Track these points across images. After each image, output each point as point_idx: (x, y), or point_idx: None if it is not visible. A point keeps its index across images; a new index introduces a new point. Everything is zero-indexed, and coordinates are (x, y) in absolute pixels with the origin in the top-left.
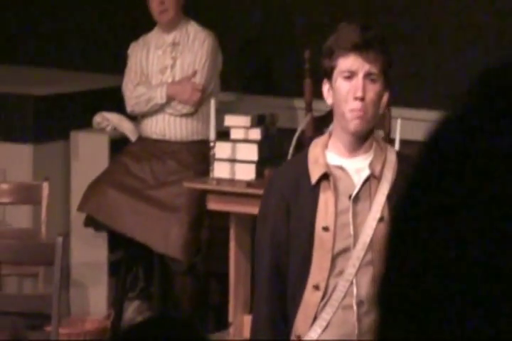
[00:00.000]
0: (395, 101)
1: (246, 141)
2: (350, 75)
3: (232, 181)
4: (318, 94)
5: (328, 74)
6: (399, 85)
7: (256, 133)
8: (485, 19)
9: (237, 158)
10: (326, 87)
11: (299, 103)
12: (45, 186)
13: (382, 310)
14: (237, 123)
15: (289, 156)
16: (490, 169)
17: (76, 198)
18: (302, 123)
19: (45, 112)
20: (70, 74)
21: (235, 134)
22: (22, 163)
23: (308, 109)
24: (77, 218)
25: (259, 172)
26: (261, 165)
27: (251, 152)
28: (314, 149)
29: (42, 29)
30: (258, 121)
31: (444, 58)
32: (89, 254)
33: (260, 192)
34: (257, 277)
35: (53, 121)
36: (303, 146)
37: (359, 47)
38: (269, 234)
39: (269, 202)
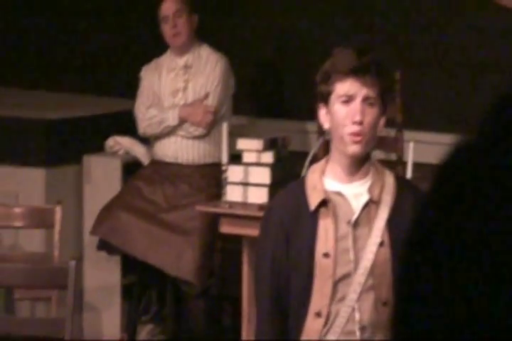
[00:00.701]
0: (408, 124)
1: (258, 164)
2: (348, 99)
3: (244, 204)
4: None
5: (325, 98)
6: (411, 108)
7: (268, 157)
8: (499, 43)
9: (249, 182)
10: (322, 112)
11: (311, 126)
12: (58, 210)
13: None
14: (250, 146)
15: None
16: (505, 194)
17: (89, 222)
18: (314, 146)
19: (58, 136)
20: (82, 98)
21: (247, 158)
22: (35, 187)
23: (321, 132)
24: (90, 242)
25: (271, 196)
26: (273, 188)
27: (263, 175)
28: (312, 175)
29: (54, 53)
30: (270, 145)
31: (457, 81)
32: (102, 278)
33: None
34: (258, 307)
35: (66, 145)
36: None
37: (356, 72)
38: (269, 263)
39: (269, 230)
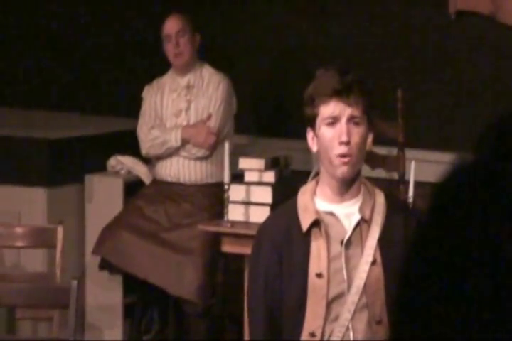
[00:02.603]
0: (409, 142)
1: (260, 183)
2: (333, 121)
3: (246, 224)
4: None
5: (311, 122)
6: (413, 127)
7: (270, 176)
8: (499, 63)
9: (251, 201)
10: (310, 135)
11: None
12: (60, 229)
13: None
14: (252, 165)
15: None
16: (503, 213)
17: (90, 241)
18: (316, 165)
19: (60, 156)
20: (84, 117)
21: (249, 177)
22: (36, 207)
23: None
24: (92, 261)
25: None
26: (275, 207)
27: (265, 194)
28: (303, 196)
29: (56, 74)
30: (272, 164)
31: (458, 100)
32: (104, 297)
33: None
34: (250, 327)
35: (67, 165)
36: None
37: (339, 93)
38: (262, 283)
39: (261, 252)
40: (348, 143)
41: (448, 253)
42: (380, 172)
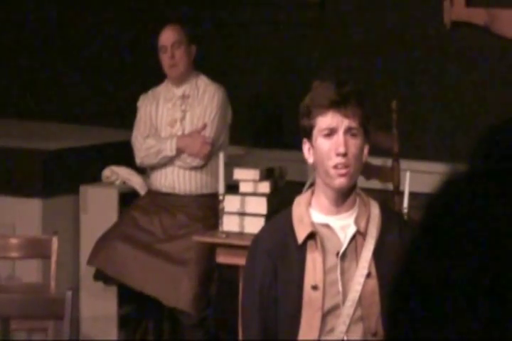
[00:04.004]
0: (404, 153)
1: (255, 194)
2: (330, 132)
3: (241, 234)
4: None
5: (308, 133)
6: (407, 138)
7: (265, 187)
8: (494, 74)
9: (246, 212)
10: (306, 147)
11: None
12: (55, 240)
13: None
14: (246, 176)
15: None
16: (498, 224)
17: (85, 252)
18: (311, 176)
19: (54, 166)
20: (79, 128)
21: (244, 187)
22: (31, 217)
23: None
24: (87, 272)
25: None
26: (270, 218)
27: (260, 205)
28: (298, 208)
29: (50, 84)
30: (267, 175)
31: (452, 111)
32: (99, 308)
33: None
34: (244, 338)
35: (62, 176)
36: None
37: (336, 104)
38: (257, 296)
39: (256, 264)
40: (345, 154)
41: (442, 265)
42: (375, 183)
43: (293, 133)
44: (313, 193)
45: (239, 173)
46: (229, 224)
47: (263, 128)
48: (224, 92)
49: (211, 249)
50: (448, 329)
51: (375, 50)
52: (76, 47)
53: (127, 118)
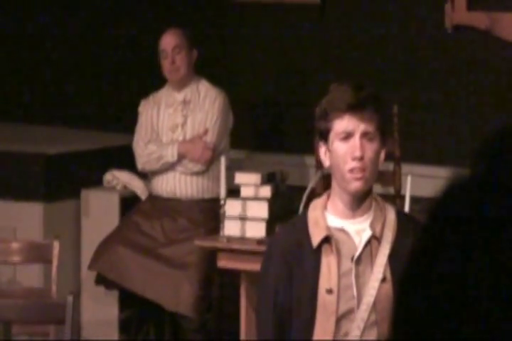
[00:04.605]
0: (405, 157)
1: (256, 198)
2: (347, 136)
3: (242, 239)
4: None
5: (324, 136)
6: (409, 142)
7: (266, 191)
8: (495, 78)
9: (247, 216)
10: (322, 150)
11: (309, 160)
12: (56, 244)
13: None
14: (248, 180)
15: (299, 213)
16: (499, 227)
17: (86, 256)
18: (312, 180)
19: (56, 171)
20: (80, 132)
21: (245, 192)
22: (32, 222)
23: (319, 166)
24: (88, 276)
25: (269, 230)
26: (271, 222)
27: (261, 209)
28: (313, 211)
29: (53, 88)
30: (268, 179)
31: (454, 115)
32: (100, 312)
33: None
34: None
35: (64, 180)
36: None
37: (353, 108)
38: (271, 297)
39: (271, 267)
40: (361, 158)
41: (444, 268)
42: (376, 187)
43: (294, 137)
44: (329, 197)
45: (240, 177)
46: (230, 228)
47: (264, 132)
48: (225, 97)
49: (212, 253)
50: (451, 329)
51: (376, 54)
52: (77, 50)
53: (129, 122)
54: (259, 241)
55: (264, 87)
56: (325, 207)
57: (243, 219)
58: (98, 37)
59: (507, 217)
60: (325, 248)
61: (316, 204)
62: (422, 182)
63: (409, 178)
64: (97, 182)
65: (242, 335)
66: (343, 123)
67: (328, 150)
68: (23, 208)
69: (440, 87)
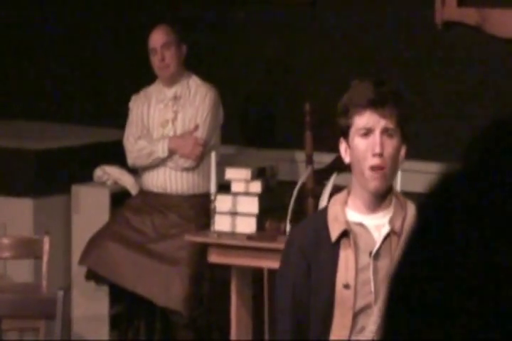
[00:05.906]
0: None
1: (246, 193)
2: (367, 132)
3: (232, 234)
4: (319, 147)
5: (345, 132)
6: None
7: (256, 186)
8: (486, 74)
9: (237, 211)
10: (343, 146)
11: (300, 156)
12: (46, 240)
13: None
14: (238, 176)
15: (290, 209)
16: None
17: (77, 252)
18: (303, 175)
19: (46, 166)
20: (70, 128)
21: (235, 187)
22: (22, 218)
23: (309, 161)
24: (78, 272)
25: (259, 225)
26: (261, 218)
27: (252, 205)
28: (334, 206)
29: (42, 84)
30: (258, 174)
31: (445, 110)
32: (91, 308)
33: (261, 245)
34: (278, 336)
35: (54, 175)
36: (303, 199)
37: (374, 104)
38: (290, 292)
39: (290, 260)
40: (381, 155)
41: (438, 264)
42: None
43: (285, 132)
44: (349, 193)
45: (230, 173)
46: (220, 223)
47: (255, 127)
48: (216, 93)
49: (203, 248)
50: (446, 329)
51: (368, 51)
52: (68, 47)
53: (119, 117)
54: (250, 237)
55: (255, 82)
56: (345, 203)
57: (234, 214)
58: (90, 32)
59: (502, 211)
60: (343, 242)
61: (336, 200)
62: (413, 177)
63: (399, 173)
64: (87, 177)
65: (233, 330)
66: (363, 119)
67: (349, 146)
68: (13, 204)
69: (432, 83)
